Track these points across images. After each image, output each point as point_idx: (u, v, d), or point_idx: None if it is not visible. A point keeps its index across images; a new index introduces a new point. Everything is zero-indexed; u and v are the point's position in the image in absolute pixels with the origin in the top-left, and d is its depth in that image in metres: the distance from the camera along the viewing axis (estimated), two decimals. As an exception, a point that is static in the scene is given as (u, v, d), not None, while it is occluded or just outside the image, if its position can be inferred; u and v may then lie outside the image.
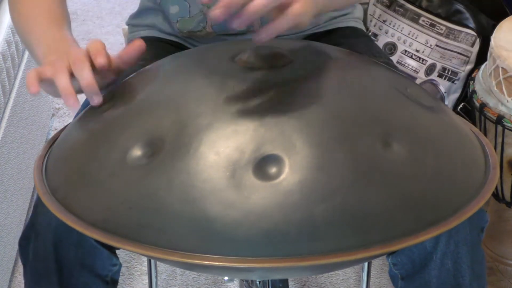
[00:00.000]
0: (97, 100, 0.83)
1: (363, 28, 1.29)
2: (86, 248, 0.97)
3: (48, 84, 0.84)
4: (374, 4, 1.89)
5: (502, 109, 1.33)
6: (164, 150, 0.72)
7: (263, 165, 0.70)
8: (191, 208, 0.68)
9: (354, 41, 1.21)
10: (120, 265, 1.04)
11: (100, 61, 0.83)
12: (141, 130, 0.76)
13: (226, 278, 1.29)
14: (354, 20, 1.27)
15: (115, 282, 1.04)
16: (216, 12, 0.75)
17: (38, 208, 0.97)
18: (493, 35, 1.37)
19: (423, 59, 1.80)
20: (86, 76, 0.82)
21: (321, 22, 1.22)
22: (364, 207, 0.69)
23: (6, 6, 1.70)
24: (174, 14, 1.14)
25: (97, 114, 0.83)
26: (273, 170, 0.69)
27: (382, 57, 1.18)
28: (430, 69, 1.79)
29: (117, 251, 1.04)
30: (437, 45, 1.78)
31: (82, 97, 0.85)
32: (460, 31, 1.75)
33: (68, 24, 1.01)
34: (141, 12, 1.24)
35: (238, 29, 0.77)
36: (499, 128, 1.34)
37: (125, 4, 2.87)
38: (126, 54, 0.87)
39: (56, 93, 0.84)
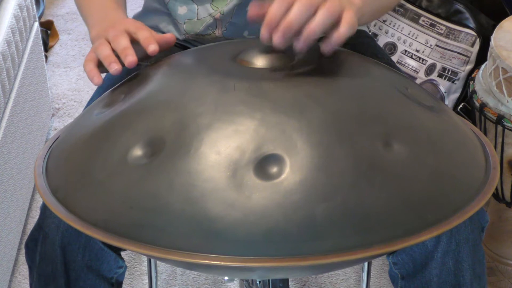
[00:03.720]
0: (131, 63, 0.88)
1: (366, 29, 1.29)
2: (93, 251, 0.97)
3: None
4: (374, 4, 1.89)
5: (502, 109, 1.33)
6: (165, 149, 0.72)
7: (264, 164, 0.70)
8: (192, 208, 0.68)
9: (356, 41, 1.21)
10: (126, 267, 1.04)
11: (152, 49, 0.89)
12: (141, 130, 0.76)
13: (226, 278, 1.29)
14: None
15: (119, 284, 1.05)
16: (276, 40, 0.77)
17: (46, 210, 0.97)
18: (493, 35, 1.37)
19: (423, 59, 1.80)
20: (123, 43, 0.89)
21: None
22: (364, 206, 0.69)
23: (6, 6, 1.70)
24: (182, 15, 1.14)
25: (97, 114, 0.83)
26: (274, 169, 0.69)
27: (384, 58, 1.18)
28: (430, 69, 1.80)
29: (117, 251, 1.04)
30: (437, 45, 1.78)
31: (83, 98, 0.85)
32: (460, 31, 1.75)
33: (124, 5, 1.10)
34: (145, 13, 1.24)
35: (299, 51, 0.78)
36: (499, 128, 1.34)
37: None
38: (158, 41, 0.92)
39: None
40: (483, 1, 1.86)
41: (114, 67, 0.88)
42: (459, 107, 1.74)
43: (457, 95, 1.78)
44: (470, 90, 1.41)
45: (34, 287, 1.01)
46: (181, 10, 1.14)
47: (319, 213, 0.68)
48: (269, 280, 1.01)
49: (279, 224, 0.67)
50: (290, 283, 1.57)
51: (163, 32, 1.21)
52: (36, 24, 1.94)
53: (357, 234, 0.68)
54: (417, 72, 1.81)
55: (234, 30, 1.14)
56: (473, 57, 1.73)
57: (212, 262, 0.67)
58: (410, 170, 0.72)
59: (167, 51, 0.94)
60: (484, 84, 1.38)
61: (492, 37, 1.37)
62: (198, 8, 1.12)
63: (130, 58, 0.88)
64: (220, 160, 0.70)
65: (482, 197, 0.75)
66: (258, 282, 1.07)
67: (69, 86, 2.31)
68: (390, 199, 0.70)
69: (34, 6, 1.93)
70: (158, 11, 1.19)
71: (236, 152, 0.70)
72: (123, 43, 0.90)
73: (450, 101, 1.78)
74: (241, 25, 1.13)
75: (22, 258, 1.66)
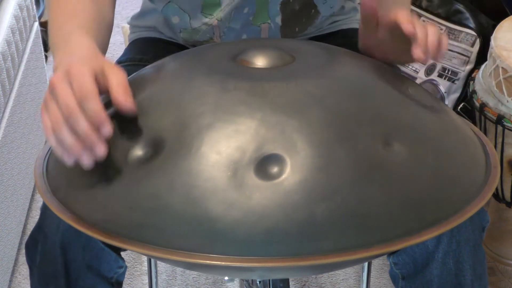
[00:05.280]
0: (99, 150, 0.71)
1: None
2: (93, 251, 0.97)
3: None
4: (374, 4, 1.89)
5: (502, 109, 1.33)
6: (165, 150, 0.72)
7: (264, 164, 0.70)
8: (193, 208, 0.68)
9: (356, 41, 1.21)
10: (126, 267, 1.04)
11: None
12: (142, 130, 0.75)
13: (226, 278, 1.29)
14: (356, 21, 1.27)
15: (119, 284, 1.05)
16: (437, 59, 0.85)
17: (46, 211, 0.97)
18: (493, 35, 1.38)
19: (423, 59, 1.80)
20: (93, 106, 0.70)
21: (324, 26, 1.22)
22: (365, 206, 0.69)
23: (6, 6, 1.70)
24: (176, 24, 1.14)
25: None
26: (274, 169, 0.69)
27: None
28: (430, 69, 1.80)
29: (117, 251, 1.04)
30: (437, 45, 1.78)
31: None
32: (460, 31, 1.75)
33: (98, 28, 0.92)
34: (143, 13, 1.24)
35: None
36: (499, 128, 1.34)
37: (125, 4, 2.87)
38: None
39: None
40: (483, 1, 1.86)
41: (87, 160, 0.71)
42: (459, 107, 1.74)
43: (457, 95, 1.77)
44: (470, 90, 1.42)
45: (35, 287, 1.01)
46: (175, 19, 1.13)
47: (319, 213, 0.68)
48: (269, 280, 1.01)
49: (279, 224, 0.67)
50: (290, 283, 1.57)
51: (161, 33, 1.21)
52: (36, 24, 1.94)
53: (357, 234, 0.68)
54: (417, 72, 1.81)
55: (232, 35, 1.13)
56: (473, 57, 1.73)
57: (212, 262, 0.67)
58: (410, 170, 0.72)
59: (166, 52, 0.93)
60: (484, 84, 1.38)
61: (492, 37, 1.37)
62: (190, 18, 1.12)
63: (102, 147, 0.70)
64: (221, 160, 0.70)
65: (482, 197, 0.75)
66: (258, 282, 1.07)
67: (69, 86, 2.30)
68: (390, 199, 0.70)
69: (34, 6, 1.93)
70: (156, 12, 1.19)
71: (237, 152, 0.70)
72: (92, 104, 0.70)
73: (450, 101, 1.78)
74: (239, 29, 1.13)
75: (22, 258, 1.66)
